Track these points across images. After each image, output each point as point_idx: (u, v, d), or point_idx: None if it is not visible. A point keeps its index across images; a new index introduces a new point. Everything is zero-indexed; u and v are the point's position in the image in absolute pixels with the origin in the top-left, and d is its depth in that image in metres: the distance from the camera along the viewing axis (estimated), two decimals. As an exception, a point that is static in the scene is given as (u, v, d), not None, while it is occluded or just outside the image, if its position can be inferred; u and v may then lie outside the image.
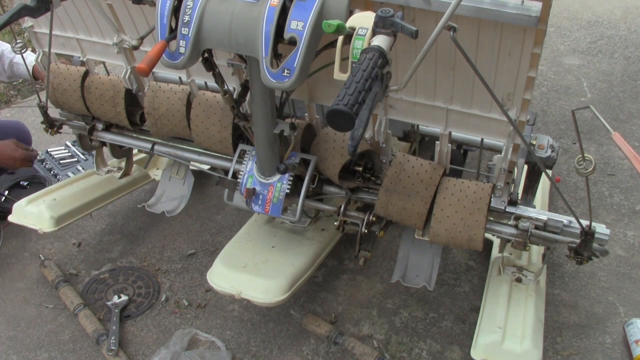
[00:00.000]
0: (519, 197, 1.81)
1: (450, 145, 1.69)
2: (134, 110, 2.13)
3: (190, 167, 2.35)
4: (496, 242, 2.11)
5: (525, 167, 1.79)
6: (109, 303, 2.21)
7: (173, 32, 1.39)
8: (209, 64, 1.54)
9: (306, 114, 1.87)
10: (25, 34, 2.12)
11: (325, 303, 2.23)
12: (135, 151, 2.51)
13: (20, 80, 3.79)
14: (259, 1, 1.34)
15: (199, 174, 2.48)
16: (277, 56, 1.35)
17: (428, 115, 1.64)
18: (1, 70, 2.56)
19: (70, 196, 2.32)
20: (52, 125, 2.27)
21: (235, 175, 1.88)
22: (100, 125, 2.23)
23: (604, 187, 2.73)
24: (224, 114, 1.86)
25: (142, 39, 1.58)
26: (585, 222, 1.61)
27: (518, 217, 1.74)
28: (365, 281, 2.32)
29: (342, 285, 2.30)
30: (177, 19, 1.39)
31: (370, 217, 1.82)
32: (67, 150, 3.13)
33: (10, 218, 2.23)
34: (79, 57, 2.10)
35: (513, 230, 1.75)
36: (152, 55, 1.34)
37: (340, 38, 1.21)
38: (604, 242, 1.67)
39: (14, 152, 2.39)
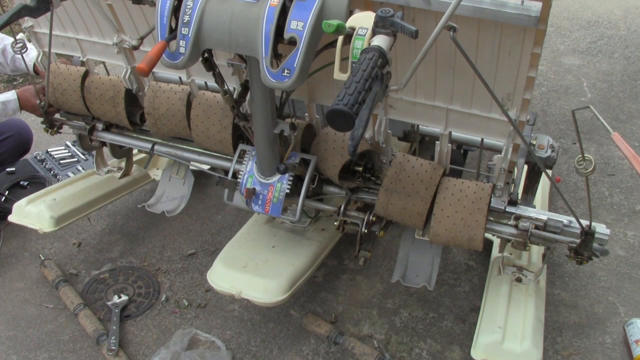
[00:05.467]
0: (519, 197, 1.81)
1: (450, 145, 1.69)
2: (134, 110, 2.12)
3: (190, 167, 2.35)
4: (496, 242, 2.11)
5: (525, 167, 1.79)
6: (109, 303, 2.21)
7: (173, 32, 1.39)
8: (209, 64, 1.54)
9: (306, 114, 1.87)
10: (25, 34, 2.12)
11: (325, 303, 2.23)
12: (135, 151, 2.51)
13: (21, 80, 3.80)
14: (259, 1, 1.34)
15: (199, 174, 2.48)
16: (277, 56, 1.35)
17: (428, 115, 1.64)
18: (4, 63, 2.58)
19: (70, 196, 2.32)
20: (52, 125, 2.28)
21: (235, 175, 1.88)
22: (100, 125, 2.23)
23: (604, 187, 2.73)
24: (224, 114, 1.86)
25: (142, 39, 1.58)
26: (585, 222, 1.61)
27: (518, 217, 1.74)
28: (365, 281, 2.32)
29: (342, 285, 2.30)
30: (177, 19, 1.39)
31: (370, 217, 1.82)
32: (67, 150, 3.13)
33: (10, 218, 2.23)
34: (79, 57, 2.10)
35: (513, 230, 1.75)
36: (152, 55, 1.34)
37: (340, 38, 1.21)
38: (604, 242, 1.67)
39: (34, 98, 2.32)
